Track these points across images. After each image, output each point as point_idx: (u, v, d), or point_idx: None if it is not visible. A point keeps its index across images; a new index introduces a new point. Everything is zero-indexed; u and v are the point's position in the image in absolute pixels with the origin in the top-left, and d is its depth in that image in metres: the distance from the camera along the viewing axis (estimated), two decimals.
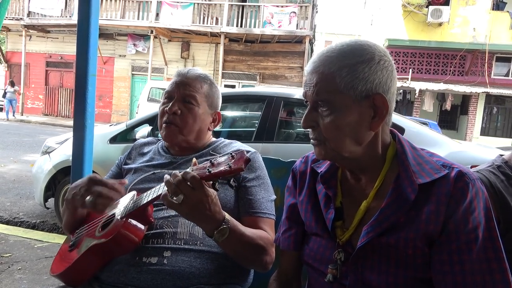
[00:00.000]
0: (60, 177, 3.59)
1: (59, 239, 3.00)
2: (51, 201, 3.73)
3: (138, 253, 0.99)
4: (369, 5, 21.01)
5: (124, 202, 1.07)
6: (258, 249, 1.01)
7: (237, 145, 1.26)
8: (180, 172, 0.87)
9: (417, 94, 14.07)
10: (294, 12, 13.92)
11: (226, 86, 14.47)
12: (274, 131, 3.36)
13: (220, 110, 1.33)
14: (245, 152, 0.84)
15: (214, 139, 1.31)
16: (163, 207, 1.08)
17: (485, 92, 13.89)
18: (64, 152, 3.53)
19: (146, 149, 1.32)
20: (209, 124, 1.27)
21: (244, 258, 1.02)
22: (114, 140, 3.52)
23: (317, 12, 16.67)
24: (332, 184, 0.87)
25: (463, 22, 13.78)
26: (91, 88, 1.78)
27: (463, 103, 15.39)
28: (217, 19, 14.53)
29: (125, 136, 3.59)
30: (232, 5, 14.52)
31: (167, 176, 0.87)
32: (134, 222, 1.00)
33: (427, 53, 14.43)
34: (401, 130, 3.05)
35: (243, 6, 14.61)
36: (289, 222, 0.96)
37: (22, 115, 15.88)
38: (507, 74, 14.57)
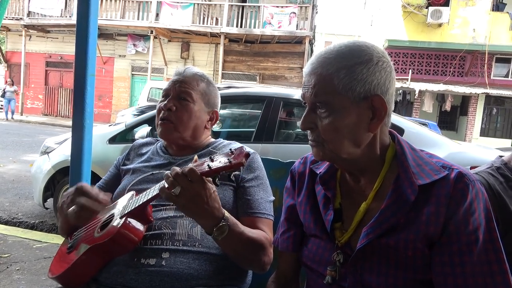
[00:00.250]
0: (59, 178, 3.59)
1: (58, 239, 2.99)
2: (50, 201, 3.72)
3: (136, 254, 0.99)
4: (369, 5, 21.02)
5: (123, 202, 1.06)
6: (256, 249, 1.01)
7: (237, 145, 1.26)
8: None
9: (416, 95, 14.07)
10: (294, 13, 13.93)
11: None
12: (273, 131, 3.36)
13: (219, 110, 1.32)
14: (244, 147, 0.84)
15: (213, 139, 1.31)
16: (162, 207, 1.08)
17: (484, 93, 13.90)
18: (63, 152, 3.53)
19: (144, 150, 1.31)
20: (206, 122, 1.27)
21: (242, 258, 1.01)
22: (113, 140, 3.52)
23: (317, 12, 16.68)
24: (331, 185, 0.86)
25: (463, 23, 13.79)
26: (90, 88, 1.78)
27: (463, 104, 15.40)
28: (217, 19, 14.54)
29: (124, 136, 3.58)
30: (232, 5, 14.53)
31: (167, 171, 0.88)
32: (133, 221, 1.00)
33: (427, 54, 14.43)
34: (401, 131, 3.04)
35: (243, 7, 14.61)
36: (288, 223, 0.96)
37: (21, 115, 15.86)
38: (506, 75, 14.58)
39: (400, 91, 14.67)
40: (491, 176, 1.19)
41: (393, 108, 0.81)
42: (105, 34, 15.95)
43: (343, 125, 0.75)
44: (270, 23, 13.93)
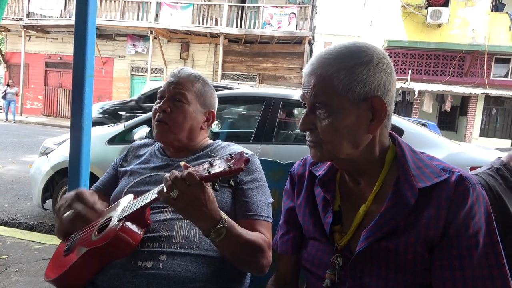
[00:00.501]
0: (58, 178, 3.58)
1: (57, 241, 2.96)
2: (49, 202, 3.71)
3: (134, 257, 0.98)
4: (368, 6, 21.04)
5: (121, 205, 1.06)
6: (254, 251, 1.00)
7: (235, 147, 1.25)
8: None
9: (416, 95, 14.07)
10: (294, 13, 13.93)
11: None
12: (272, 132, 3.35)
13: (219, 111, 1.32)
14: (244, 153, 0.84)
15: (211, 141, 1.30)
16: (159, 210, 1.07)
17: (484, 93, 13.90)
18: (62, 153, 3.52)
19: (142, 151, 1.31)
20: (202, 123, 1.26)
21: (240, 260, 1.01)
22: (112, 141, 3.51)
23: (316, 13, 16.69)
24: (331, 187, 0.86)
25: (462, 23, 13.80)
26: (88, 89, 1.78)
27: (462, 104, 15.41)
28: (216, 20, 14.54)
29: (123, 137, 3.58)
30: (231, 6, 14.53)
31: (166, 174, 0.88)
32: (131, 225, 0.99)
33: (427, 54, 14.44)
34: (400, 131, 3.04)
35: (242, 7, 14.62)
36: (287, 226, 0.95)
37: (21, 115, 15.84)
38: (506, 75, 14.59)
39: (400, 91, 14.67)
40: (491, 177, 1.19)
41: (393, 109, 0.80)
42: (105, 35, 15.94)
43: (343, 126, 0.74)
44: (269, 24, 13.93)
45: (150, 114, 3.59)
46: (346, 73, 0.74)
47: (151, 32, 14.42)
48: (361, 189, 0.82)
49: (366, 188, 0.81)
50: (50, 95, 16.95)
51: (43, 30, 16.39)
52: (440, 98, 15.02)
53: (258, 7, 14.41)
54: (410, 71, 14.18)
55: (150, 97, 7.73)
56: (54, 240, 3.00)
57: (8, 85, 14.94)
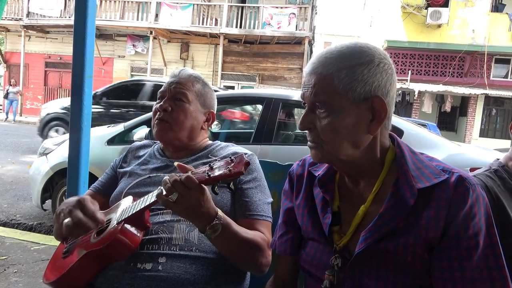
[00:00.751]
0: (57, 179, 3.57)
1: (56, 241, 2.95)
2: (48, 203, 3.70)
3: (133, 259, 0.98)
4: (368, 6, 21.04)
5: (120, 207, 1.05)
6: (253, 249, 1.00)
7: (234, 148, 1.25)
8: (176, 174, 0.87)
9: (416, 96, 14.07)
10: (294, 13, 13.92)
11: (225, 87, 14.47)
12: (272, 133, 3.35)
13: (218, 111, 1.32)
14: (244, 156, 0.83)
15: (210, 141, 1.30)
16: (159, 212, 1.07)
17: (484, 93, 13.91)
18: (61, 154, 3.52)
19: (142, 152, 1.30)
20: (203, 123, 1.26)
21: (238, 258, 1.00)
22: (112, 141, 3.51)
23: (316, 13, 16.69)
24: (330, 187, 0.85)
25: (462, 24, 13.80)
26: (87, 89, 1.77)
27: (462, 105, 15.41)
28: (216, 20, 14.54)
29: (123, 137, 3.57)
30: (231, 6, 14.53)
31: (165, 177, 0.87)
32: (130, 227, 0.99)
33: (426, 55, 14.45)
34: (400, 132, 3.04)
35: (242, 7, 14.61)
36: (285, 227, 0.94)
37: (21, 115, 15.83)
38: (506, 76, 14.60)
39: (400, 91, 14.67)
40: (490, 178, 1.19)
41: (393, 110, 0.80)
42: (105, 35, 15.94)
43: (342, 125, 0.74)
44: (269, 24, 13.93)
45: (150, 114, 3.59)
46: (347, 72, 0.74)
47: (151, 32, 14.41)
48: (360, 189, 0.82)
49: (366, 188, 0.81)
50: (50, 95, 16.92)
51: (43, 30, 16.38)
52: (440, 98, 15.02)
53: (258, 7, 14.41)
54: (410, 71, 14.18)
55: (107, 93, 7.83)
56: (53, 241, 2.99)
57: (10, 84, 14.93)
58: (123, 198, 1.11)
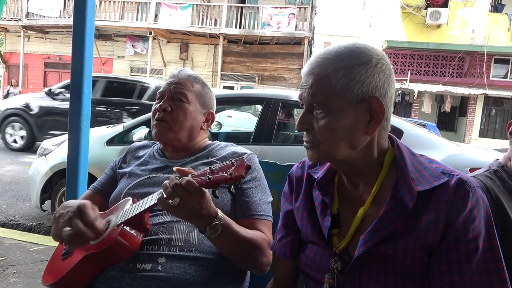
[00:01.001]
0: (56, 179, 3.57)
1: (55, 242, 2.96)
2: (47, 203, 3.70)
3: (133, 259, 0.98)
4: (368, 6, 21.04)
5: (120, 209, 1.05)
6: (253, 249, 1.00)
7: (233, 148, 1.25)
8: (176, 177, 0.86)
9: (415, 96, 14.08)
10: (293, 14, 13.92)
11: (224, 87, 14.47)
12: (272, 133, 3.34)
13: (218, 112, 1.32)
14: (245, 159, 0.83)
15: (209, 142, 1.30)
16: (158, 213, 1.06)
17: (483, 93, 13.91)
18: (60, 154, 3.51)
19: (141, 153, 1.30)
20: (202, 123, 1.26)
21: (239, 258, 1.00)
22: (111, 142, 3.50)
23: (316, 13, 16.70)
24: (329, 190, 0.85)
25: (461, 24, 13.81)
26: (86, 90, 1.77)
27: (462, 105, 15.42)
28: (216, 20, 14.53)
29: (122, 138, 3.57)
30: (231, 6, 14.52)
31: (166, 181, 0.87)
32: (130, 230, 0.98)
33: (426, 55, 14.45)
34: (400, 132, 3.03)
35: (242, 8, 14.61)
36: (285, 229, 0.94)
37: None
38: (505, 76, 14.60)
39: (399, 92, 14.68)
40: (489, 179, 1.19)
41: (391, 111, 0.79)
42: (104, 35, 15.93)
43: (340, 126, 0.74)
44: (269, 24, 13.92)
45: (149, 114, 3.59)
46: (344, 73, 0.73)
47: (151, 33, 14.41)
48: (359, 191, 0.81)
49: (365, 190, 0.80)
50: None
51: (42, 30, 16.36)
52: (439, 98, 15.03)
53: (258, 7, 14.41)
54: (409, 71, 14.19)
55: (64, 88, 7.82)
56: (52, 242, 2.98)
57: (11, 84, 14.91)
58: (123, 198, 1.11)
